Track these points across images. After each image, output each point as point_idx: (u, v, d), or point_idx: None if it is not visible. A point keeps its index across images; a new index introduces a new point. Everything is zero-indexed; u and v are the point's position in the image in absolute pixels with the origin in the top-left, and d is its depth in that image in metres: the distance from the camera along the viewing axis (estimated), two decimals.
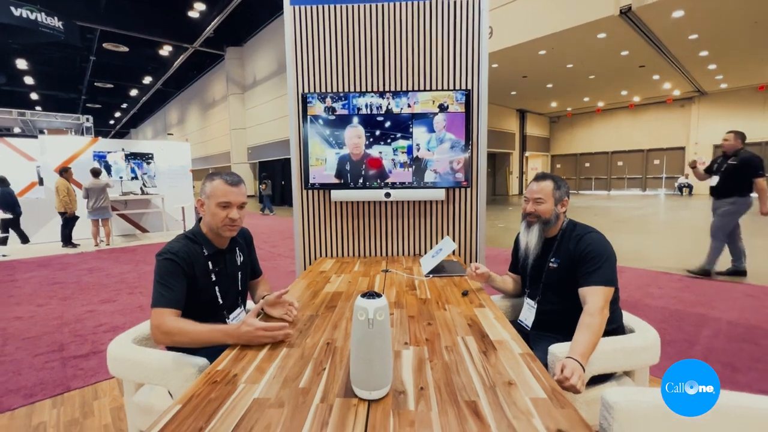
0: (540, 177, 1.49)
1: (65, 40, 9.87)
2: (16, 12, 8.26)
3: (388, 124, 2.20)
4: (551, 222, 1.45)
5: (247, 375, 0.96)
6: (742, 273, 3.96)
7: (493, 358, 1.02)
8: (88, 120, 10.73)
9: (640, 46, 9.36)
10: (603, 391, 0.90)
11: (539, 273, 1.49)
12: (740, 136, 3.82)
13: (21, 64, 15.63)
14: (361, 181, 2.26)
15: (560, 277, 1.41)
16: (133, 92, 23.90)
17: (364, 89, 2.31)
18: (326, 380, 0.93)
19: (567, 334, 1.23)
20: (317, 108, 2.20)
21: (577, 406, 0.81)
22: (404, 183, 2.25)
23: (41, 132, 10.14)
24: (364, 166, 2.25)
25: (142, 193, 8.02)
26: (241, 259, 1.48)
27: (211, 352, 1.17)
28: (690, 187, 15.98)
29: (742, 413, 0.80)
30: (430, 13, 2.26)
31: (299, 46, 2.32)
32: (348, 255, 2.47)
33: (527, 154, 20.09)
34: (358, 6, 2.26)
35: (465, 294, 1.57)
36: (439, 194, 2.28)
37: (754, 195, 3.85)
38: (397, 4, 2.25)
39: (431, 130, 2.20)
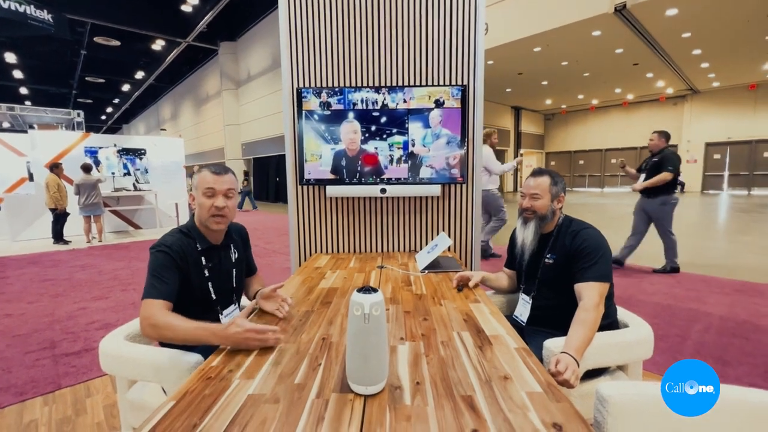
0: (537, 172, 1.49)
1: (55, 33, 9.69)
2: (5, 4, 8.09)
3: (383, 119, 2.18)
4: (548, 218, 1.45)
5: (242, 371, 0.95)
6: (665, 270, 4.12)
7: (488, 353, 1.02)
8: (79, 115, 10.59)
9: (634, 44, 9.41)
10: (597, 385, 0.90)
11: (535, 269, 1.50)
12: (664, 135, 4.02)
13: (9, 57, 15.33)
14: (356, 176, 2.25)
15: (556, 273, 1.41)
16: (125, 87, 23.55)
17: (359, 84, 2.29)
18: (322, 376, 0.92)
19: (562, 330, 1.23)
20: (312, 103, 2.18)
21: (570, 400, 0.82)
22: (400, 179, 2.25)
23: (31, 127, 9.99)
24: (359, 162, 2.24)
25: (135, 189, 7.93)
26: (236, 255, 1.47)
27: (205, 348, 1.16)
28: (682, 184, 16.14)
29: (735, 406, 0.81)
30: (426, 8, 2.24)
31: (294, 40, 2.30)
32: (343, 251, 2.46)
33: (522, 151, 20.16)
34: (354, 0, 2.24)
35: (460, 289, 1.57)
36: (435, 190, 2.28)
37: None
38: None
39: (427, 125, 2.19)
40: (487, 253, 4.77)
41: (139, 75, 21.41)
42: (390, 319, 1.28)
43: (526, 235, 1.48)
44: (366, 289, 0.84)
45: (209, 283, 1.34)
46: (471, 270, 2.30)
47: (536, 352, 1.10)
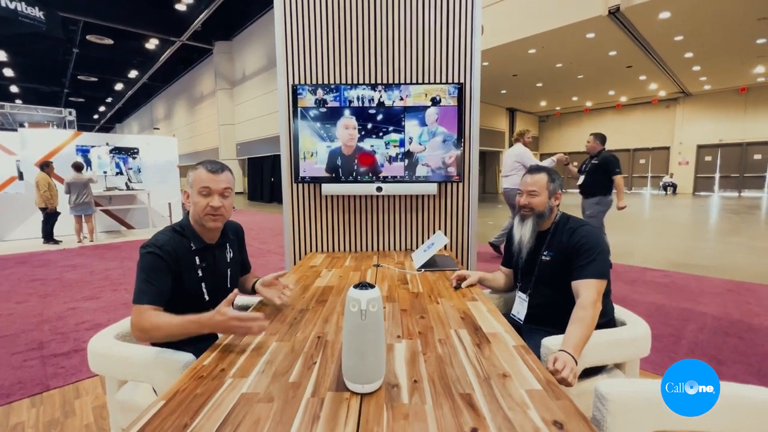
0: (534, 169, 1.48)
1: (47, 31, 9.56)
2: None
3: (380, 117, 2.17)
4: (545, 215, 1.45)
5: (235, 369, 0.92)
6: None
7: (487, 351, 1.01)
8: (70, 113, 10.45)
9: (627, 47, 9.50)
10: (595, 383, 0.89)
11: (532, 266, 1.49)
12: (599, 138, 4.19)
13: (0, 55, 15.11)
14: (352, 175, 2.23)
15: (553, 270, 1.40)
16: (119, 86, 23.32)
17: (355, 81, 2.28)
18: (317, 374, 0.90)
19: (560, 328, 1.22)
20: (308, 100, 2.16)
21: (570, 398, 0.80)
22: (396, 177, 2.23)
23: (21, 125, 9.84)
24: (355, 160, 2.22)
25: (128, 188, 7.83)
26: (231, 255, 1.44)
27: (197, 347, 1.14)
28: (674, 186, 16.33)
29: (733, 403, 0.81)
30: (422, 5, 2.23)
31: (289, 36, 2.28)
32: (339, 250, 2.44)
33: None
34: None
35: (457, 288, 1.56)
36: (431, 188, 2.27)
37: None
38: None
39: (423, 123, 2.18)
40: (499, 249, 4.78)
41: (133, 74, 21.20)
42: (386, 317, 1.26)
43: (524, 233, 1.47)
44: (363, 285, 0.82)
45: (202, 284, 1.30)
46: (467, 269, 2.29)
47: (534, 351, 1.09)
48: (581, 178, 4.31)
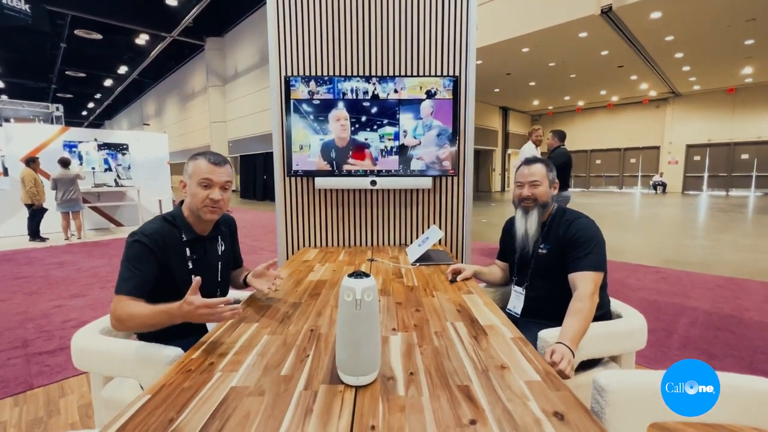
0: (531, 161, 1.46)
1: (33, 25, 9.34)
2: None
3: (374, 109, 2.14)
4: (549, 204, 1.43)
5: (225, 363, 0.89)
6: None
7: (484, 343, 0.99)
8: (58, 109, 10.23)
9: (619, 46, 9.58)
10: (591, 376, 0.88)
11: (528, 259, 1.47)
12: (557, 134, 4.22)
13: None
14: (346, 168, 2.20)
15: (550, 263, 1.39)
16: (108, 82, 22.91)
17: (349, 73, 2.24)
18: (310, 367, 0.87)
19: (556, 320, 1.21)
20: (301, 92, 2.12)
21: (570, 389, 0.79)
22: (390, 171, 2.20)
23: (6, 120, 9.61)
24: (349, 153, 2.18)
25: (117, 185, 7.69)
26: (223, 248, 1.40)
27: (186, 341, 1.10)
28: (664, 185, 16.54)
29: (730, 392, 0.80)
30: None
31: (282, 26, 2.23)
32: (332, 245, 2.41)
33: (510, 151, 20.36)
34: None
35: (453, 281, 1.54)
36: (426, 182, 2.24)
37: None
38: None
39: (418, 116, 2.15)
40: None
41: (122, 70, 20.85)
42: (381, 310, 1.23)
43: (530, 225, 1.43)
44: (357, 274, 0.79)
45: (192, 276, 1.27)
46: (462, 263, 2.28)
47: (531, 343, 1.07)
48: None
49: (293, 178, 2.32)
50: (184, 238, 1.24)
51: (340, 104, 2.13)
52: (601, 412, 0.84)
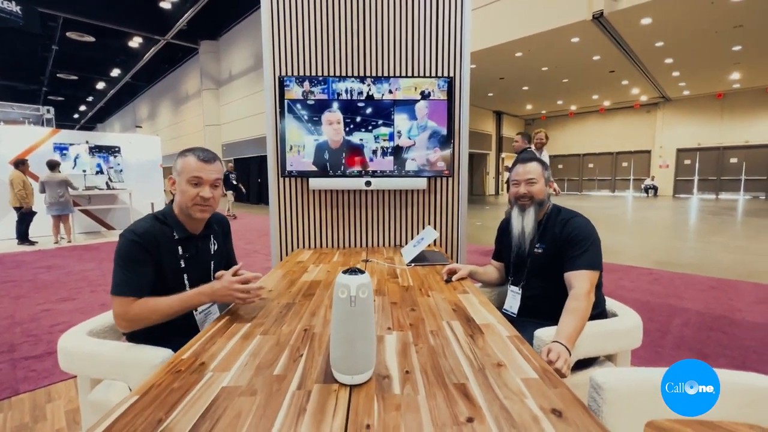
0: (526, 159, 1.46)
1: (24, 26, 9.24)
2: None
3: (369, 110, 2.13)
4: (545, 202, 1.42)
5: (216, 363, 0.87)
6: None
7: (480, 342, 0.98)
8: (48, 111, 10.11)
9: (610, 52, 9.71)
10: (591, 373, 0.87)
11: (524, 259, 1.46)
12: (525, 136, 4.39)
13: None
14: (340, 169, 2.18)
15: (546, 262, 1.38)
16: (100, 85, 22.71)
17: (344, 74, 2.23)
18: (304, 367, 0.85)
19: (553, 319, 1.20)
20: (295, 92, 2.11)
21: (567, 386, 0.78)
22: (385, 171, 2.19)
23: None
24: (344, 154, 2.17)
25: (108, 188, 7.60)
26: (215, 247, 1.38)
27: (176, 343, 1.07)
28: (655, 188, 16.74)
29: (727, 389, 0.79)
30: None
31: (276, 26, 2.22)
32: (327, 246, 2.39)
33: (503, 155, 20.50)
34: None
35: (448, 281, 1.53)
36: (421, 183, 2.24)
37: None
38: None
39: (413, 117, 2.15)
40: None
41: (115, 73, 20.70)
42: (376, 309, 1.22)
43: (526, 223, 1.42)
44: (352, 271, 0.78)
45: (184, 275, 1.24)
46: (458, 263, 2.27)
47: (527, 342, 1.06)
48: (506, 176, 4.49)
49: (287, 179, 2.30)
50: (176, 237, 1.22)
51: (334, 105, 2.12)
52: (598, 410, 0.83)
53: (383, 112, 2.13)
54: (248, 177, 16.30)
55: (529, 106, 18.34)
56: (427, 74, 2.24)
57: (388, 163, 2.18)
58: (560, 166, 20.77)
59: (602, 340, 1.21)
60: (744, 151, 15.04)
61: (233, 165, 10.48)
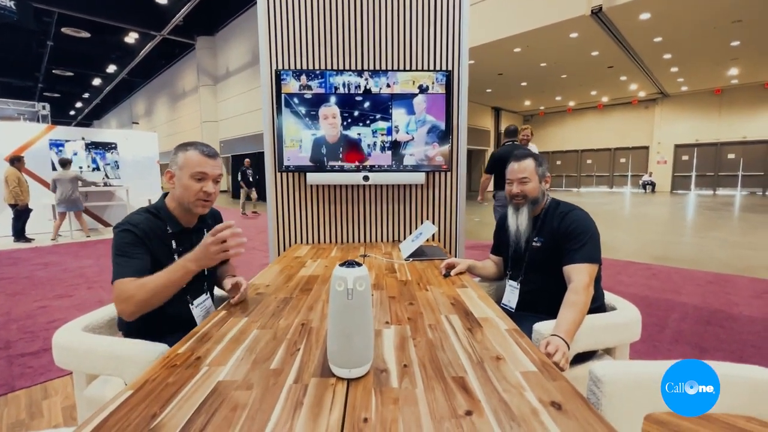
0: (520, 156, 1.44)
1: (18, 22, 9.16)
2: None
3: (366, 104, 2.11)
4: (539, 200, 1.42)
5: (212, 357, 0.86)
6: None
7: (479, 335, 0.97)
8: (44, 107, 10.03)
9: (609, 47, 9.68)
10: (590, 366, 0.87)
11: (522, 254, 1.46)
12: (510, 134, 4.35)
13: None
14: (338, 164, 2.17)
15: (544, 256, 1.38)
16: (96, 81, 22.52)
17: (341, 67, 2.21)
18: (301, 360, 0.85)
19: (552, 313, 1.19)
20: (292, 86, 2.09)
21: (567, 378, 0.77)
22: (383, 166, 2.18)
23: None
24: (341, 148, 2.16)
25: (105, 184, 7.56)
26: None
27: (173, 339, 1.06)
28: (653, 184, 16.77)
29: (726, 381, 0.79)
30: None
31: (273, 20, 2.20)
32: (324, 241, 2.38)
33: None
34: None
35: (447, 275, 1.52)
36: (419, 178, 2.23)
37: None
38: None
39: (411, 111, 2.13)
40: None
41: (111, 69, 20.53)
42: (374, 304, 1.21)
43: (521, 222, 1.42)
44: (349, 263, 0.77)
45: None
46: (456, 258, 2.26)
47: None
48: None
49: (285, 174, 2.28)
50: (169, 231, 1.21)
51: (331, 99, 2.10)
52: (598, 403, 0.82)
53: (381, 106, 2.12)
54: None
55: (527, 102, 18.30)
56: (425, 68, 2.23)
57: (386, 157, 2.17)
58: (558, 163, 20.77)
59: (601, 333, 1.20)
60: (741, 146, 15.06)
61: (249, 160, 10.35)
